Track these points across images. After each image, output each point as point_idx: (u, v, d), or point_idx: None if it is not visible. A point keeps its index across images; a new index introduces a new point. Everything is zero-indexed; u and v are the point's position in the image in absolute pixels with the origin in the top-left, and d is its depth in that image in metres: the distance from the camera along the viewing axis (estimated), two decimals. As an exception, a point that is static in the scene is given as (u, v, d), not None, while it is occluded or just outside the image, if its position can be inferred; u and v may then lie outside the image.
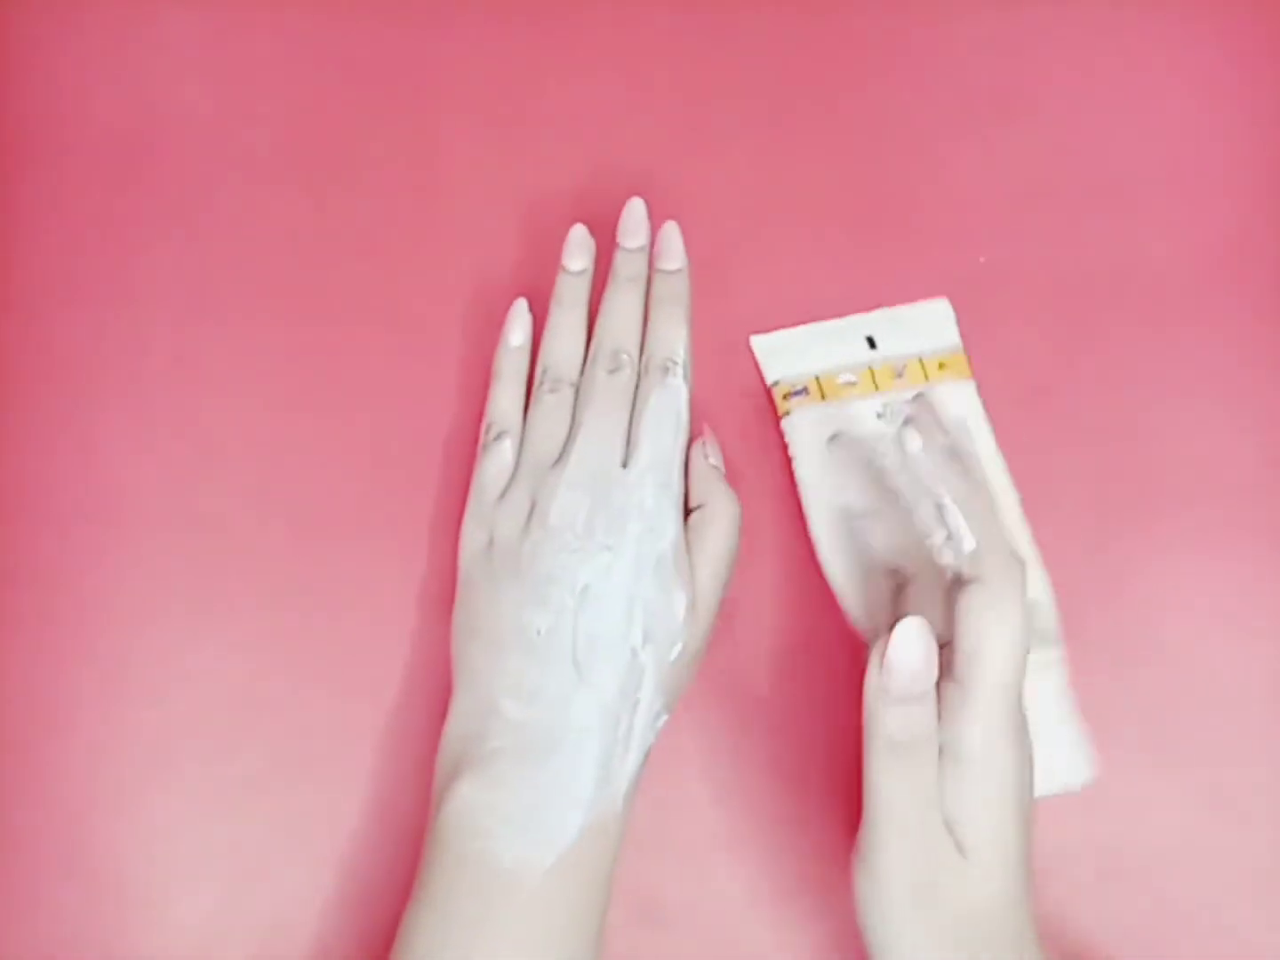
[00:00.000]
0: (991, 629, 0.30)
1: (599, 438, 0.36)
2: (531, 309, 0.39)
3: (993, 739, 0.31)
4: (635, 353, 0.38)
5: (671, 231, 0.39)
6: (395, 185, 0.44)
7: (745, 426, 0.41)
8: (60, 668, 0.40)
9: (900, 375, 0.41)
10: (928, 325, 0.42)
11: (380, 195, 0.44)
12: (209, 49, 0.46)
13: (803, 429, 0.40)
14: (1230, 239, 0.44)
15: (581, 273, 0.39)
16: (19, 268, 0.43)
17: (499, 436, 0.38)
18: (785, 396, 0.41)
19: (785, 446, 0.41)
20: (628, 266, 0.39)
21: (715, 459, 0.37)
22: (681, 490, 0.37)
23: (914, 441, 0.32)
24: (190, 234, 0.43)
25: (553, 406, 0.37)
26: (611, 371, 0.37)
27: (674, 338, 0.38)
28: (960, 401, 0.41)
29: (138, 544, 0.40)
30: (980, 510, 0.32)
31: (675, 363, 0.37)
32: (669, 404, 0.37)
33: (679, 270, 0.38)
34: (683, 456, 0.37)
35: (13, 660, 0.40)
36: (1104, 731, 0.37)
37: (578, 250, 0.39)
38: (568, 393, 0.38)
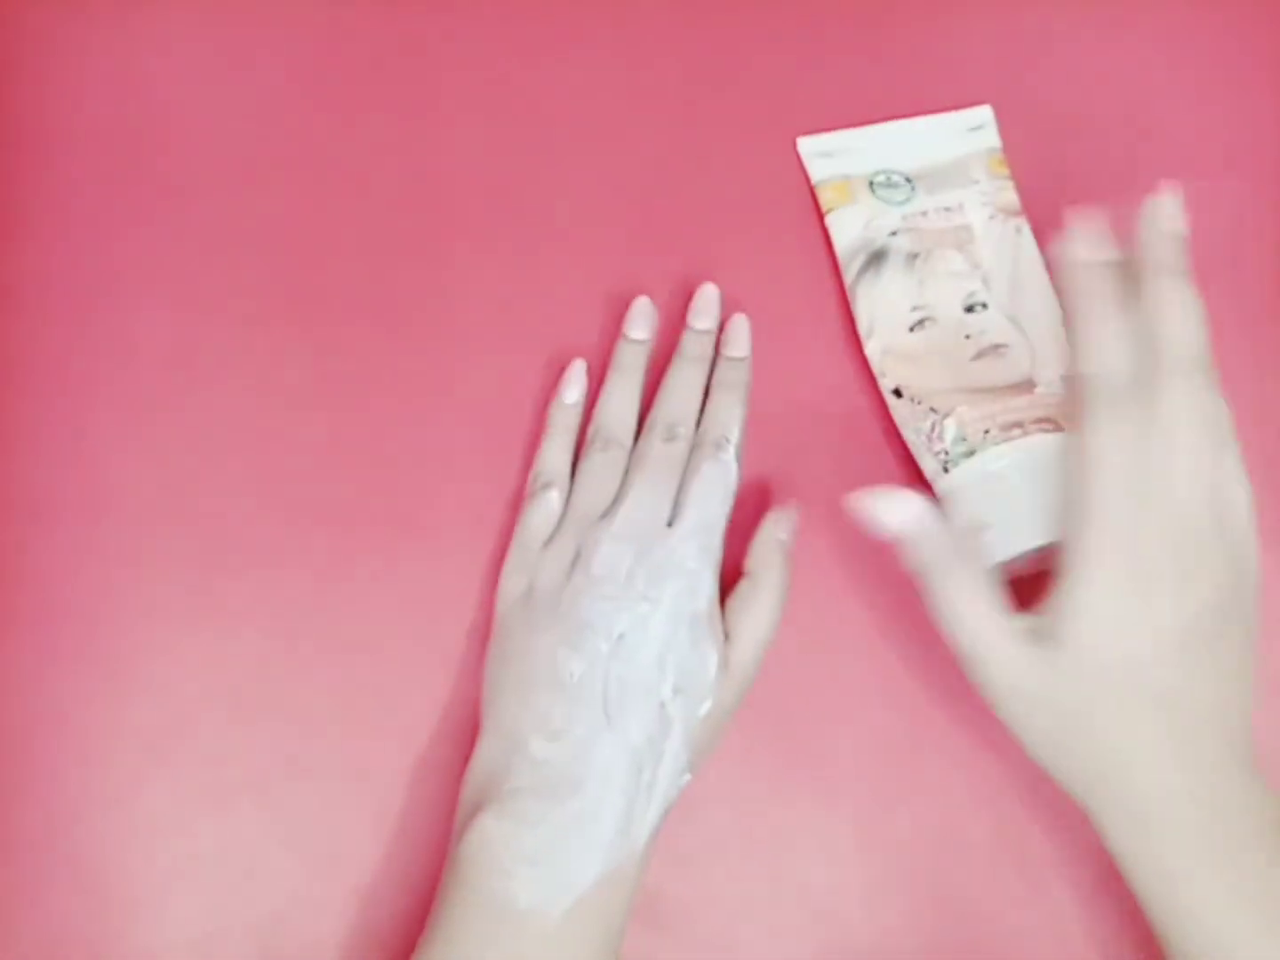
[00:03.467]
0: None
1: (648, 498, 0.37)
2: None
3: None
4: (691, 427, 0.39)
5: (740, 322, 0.41)
6: (391, 181, 0.44)
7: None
8: (56, 666, 0.39)
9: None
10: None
11: (376, 191, 0.44)
12: (204, 45, 0.46)
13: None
14: (1226, 237, 0.44)
15: (642, 342, 0.40)
16: (13, 263, 0.42)
17: (546, 486, 0.38)
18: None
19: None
20: (694, 346, 0.40)
21: (784, 534, 0.38)
22: (721, 556, 0.37)
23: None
24: (185, 230, 0.43)
25: (603, 465, 0.38)
26: (667, 441, 0.38)
27: (730, 419, 0.39)
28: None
29: (133, 541, 0.40)
30: None
31: (729, 441, 0.38)
32: (719, 476, 0.38)
33: (743, 359, 0.40)
34: (725, 526, 0.38)
35: (8, 658, 0.39)
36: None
37: (640, 320, 0.40)
38: (618, 453, 0.38)
